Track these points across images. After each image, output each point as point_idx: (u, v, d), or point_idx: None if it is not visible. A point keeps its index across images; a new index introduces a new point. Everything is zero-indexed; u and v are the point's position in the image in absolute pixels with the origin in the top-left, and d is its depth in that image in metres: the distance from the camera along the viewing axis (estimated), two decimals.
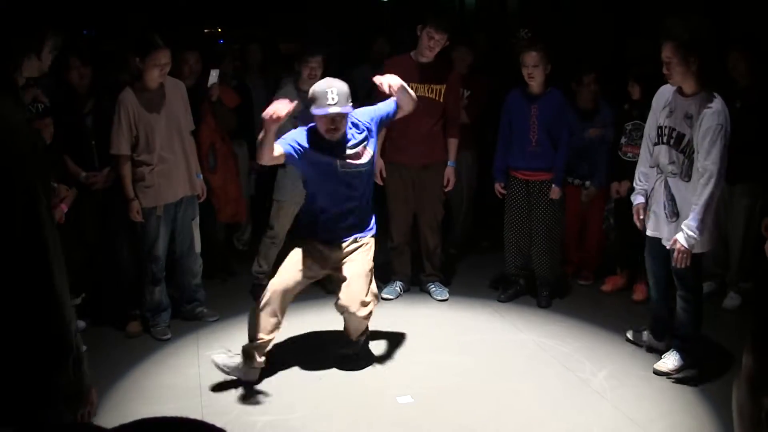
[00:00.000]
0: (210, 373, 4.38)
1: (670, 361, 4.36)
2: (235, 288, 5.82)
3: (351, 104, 4.14)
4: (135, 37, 5.15)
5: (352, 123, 4.27)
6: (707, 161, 3.92)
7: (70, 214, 4.58)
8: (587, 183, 5.68)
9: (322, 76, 5.39)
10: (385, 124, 4.48)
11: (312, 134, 4.19)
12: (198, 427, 1.06)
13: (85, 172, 4.81)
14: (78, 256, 4.90)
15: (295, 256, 4.29)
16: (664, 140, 4.20)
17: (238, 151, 6.16)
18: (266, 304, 4.18)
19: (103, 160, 4.85)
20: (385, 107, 4.39)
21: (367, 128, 4.30)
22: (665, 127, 4.19)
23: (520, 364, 4.53)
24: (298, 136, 4.19)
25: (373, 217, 4.48)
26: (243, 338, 4.89)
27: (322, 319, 4.88)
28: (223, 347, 4.44)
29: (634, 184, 4.52)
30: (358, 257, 4.31)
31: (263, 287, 5.57)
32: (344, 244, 4.31)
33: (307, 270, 4.27)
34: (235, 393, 4.14)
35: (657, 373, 4.34)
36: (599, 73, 5.62)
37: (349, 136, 4.23)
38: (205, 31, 10.94)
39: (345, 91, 4.08)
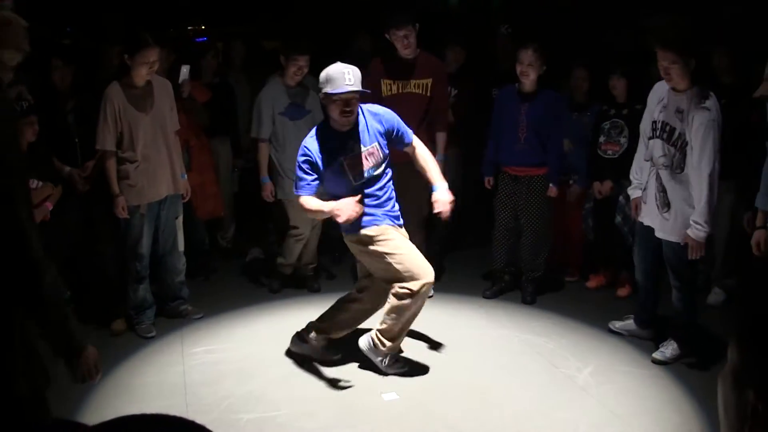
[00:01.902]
0: (194, 370, 4.36)
1: (668, 350, 4.41)
2: (218, 285, 5.80)
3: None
4: (118, 34, 5.11)
5: (375, 117, 4.21)
6: (703, 156, 4.02)
7: (53, 212, 4.54)
8: (571, 180, 5.69)
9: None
10: (392, 142, 4.29)
11: (319, 142, 4.08)
12: (179, 424, 1.05)
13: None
14: (61, 254, 4.87)
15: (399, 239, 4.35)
16: (657, 134, 4.29)
17: (221, 149, 6.12)
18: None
19: (85, 159, 4.81)
20: (405, 130, 4.32)
21: (382, 133, 4.22)
22: (659, 121, 4.29)
23: (506, 361, 4.54)
24: (307, 168, 4.08)
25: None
26: (227, 335, 4.89)
27: (308, 316, 4.84)
28: (207, 346, 4.41)
29: (631, 178, 4.63)
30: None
31: (286, 277, 5.62)
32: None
33: None
34: (220, 390, 4.12)
35: (655, 362, 4.39)
36: (589, 69, 5.62)
37: (362, 133, 4.15)
38: (189, 28, 10.88)
39: (359, 75, 4.04)
